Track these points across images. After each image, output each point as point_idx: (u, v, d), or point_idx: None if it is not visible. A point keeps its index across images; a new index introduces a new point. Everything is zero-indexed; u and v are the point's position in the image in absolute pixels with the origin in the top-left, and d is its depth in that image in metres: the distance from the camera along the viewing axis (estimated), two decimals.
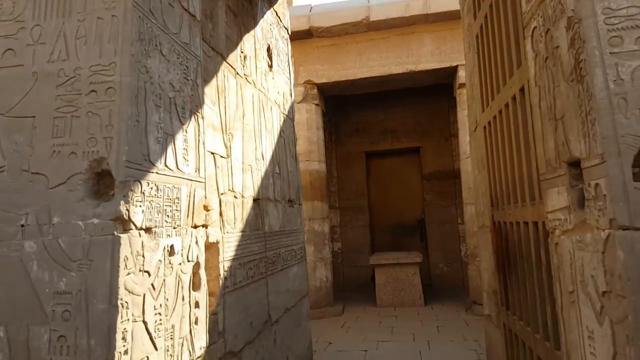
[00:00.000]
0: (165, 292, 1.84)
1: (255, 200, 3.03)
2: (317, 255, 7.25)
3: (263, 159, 3.24)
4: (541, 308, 2.17)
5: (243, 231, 2.81)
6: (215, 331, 2.33)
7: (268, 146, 3.40)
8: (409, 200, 9.74)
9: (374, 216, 9.90)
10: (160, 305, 1.81)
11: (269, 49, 3.60)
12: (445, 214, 9.31)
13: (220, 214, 2.50)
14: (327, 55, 7.41)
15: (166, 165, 1.87)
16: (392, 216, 9.80)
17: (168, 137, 1.91)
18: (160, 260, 1.81)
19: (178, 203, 1.94)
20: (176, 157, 1.96)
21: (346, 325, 6.40)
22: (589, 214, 1.35)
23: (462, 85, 7.01)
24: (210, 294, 2.35)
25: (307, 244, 7.26)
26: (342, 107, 9.82)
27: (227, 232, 2.58)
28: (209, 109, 2.41)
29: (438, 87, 8.86)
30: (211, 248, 2.39)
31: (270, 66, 3.63)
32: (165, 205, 1.85)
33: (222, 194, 2.53)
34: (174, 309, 1.91)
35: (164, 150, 1.87)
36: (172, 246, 1.89)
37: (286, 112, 4.10)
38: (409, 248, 9.50)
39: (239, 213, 2.78)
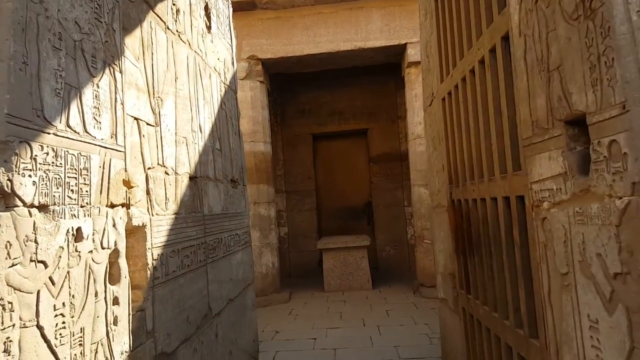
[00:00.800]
0: (70, 288, 1.44)
1: (192, 178, 2.63)
2: (263, 240, 6.91)
3: (201, 131, 2.83)
4: (513, 292, 1.99)
5: (177, 213, 2.42)
6: (142, 331, 1.95)
7: (207, 118, 3.00)
8: (356, 183, 9.60)
9: (321, 200, 9.68)
10: (64, 304, 1.41)
11: (206, 8, 3.16)
12: (392, 197, 9.26)
13: (148, 192, 2.09)
14: (273, 29, 6.98)
15: (69, 126, 1.46)
16: (340, 199, 9.63)
17: (72, 90, 1.49)
18: (62, 247, 1.40)
19: (87, 175, 1.53)
20: (83, 116, 1.54)
21: (294, 312, 6.15)
22: (596, 179, 1.12)
23: (411, 64, 6.87)
24: (136, 287, 1.95)
25: (252, 229, 6.89)
26: (288, 87, 9.43)
27: (157, 214, 2.18)
28: (131, 65, 1.98)
29: (386, 67, 8.71)
30: (136, 233, 1.99)
31: (209, 27, 3.20)
32: (69, 177, 1.44)
33: (149, 168, 2.12)
34: (84, 307, 1.51)
35: (65, 106, 1.45)
36: (78, 229, 1.48)
37: (228, 82, 3.69)
38: (357, 232, 9.38)
39: (171, 192, 2.38)
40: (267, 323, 5.59)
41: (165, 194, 2.28)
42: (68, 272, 1.43)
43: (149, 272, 2.04)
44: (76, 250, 1.48)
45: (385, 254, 9.17)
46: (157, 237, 2.14)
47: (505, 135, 1.93)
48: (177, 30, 2.62)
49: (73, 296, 1.46)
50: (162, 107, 2.32)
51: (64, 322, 1.41)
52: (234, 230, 3.33)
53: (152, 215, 2.11)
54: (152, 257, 2.08)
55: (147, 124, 2.13)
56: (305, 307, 6.40)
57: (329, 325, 5.28)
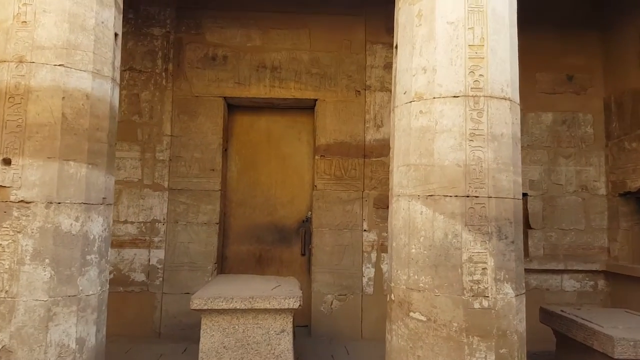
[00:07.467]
0: None
1: None
2: (57, 290, 3.02)
3: None
4: None
5: None
6: None
7: None
8: (291, 187, 5.96)
9: (230, 208, 5.94)
10: None
11: None
12: (345, 214, 5.67)
13: None
14: None
15: None
16: (262, 211, 5.93)
17: None
18: None
19: None
20: None
21: None
22: None
23: None
24: None
25: (32, 261, 3.01)
26: (191, 15, 5.66)
27: None
28: None
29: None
30: None
31: None
32: None
33: None
34: None
35: None
36: None
37: None
38: (283, 266, 5.73)
39: None
40: None
41: None
42: None
43: None
44: None
45: (325, 307, 5.54)
46: None
47: None
48: None
49: None
50: None
51: None
52: None
53: None
54: None
55: None
56: None
57: None
